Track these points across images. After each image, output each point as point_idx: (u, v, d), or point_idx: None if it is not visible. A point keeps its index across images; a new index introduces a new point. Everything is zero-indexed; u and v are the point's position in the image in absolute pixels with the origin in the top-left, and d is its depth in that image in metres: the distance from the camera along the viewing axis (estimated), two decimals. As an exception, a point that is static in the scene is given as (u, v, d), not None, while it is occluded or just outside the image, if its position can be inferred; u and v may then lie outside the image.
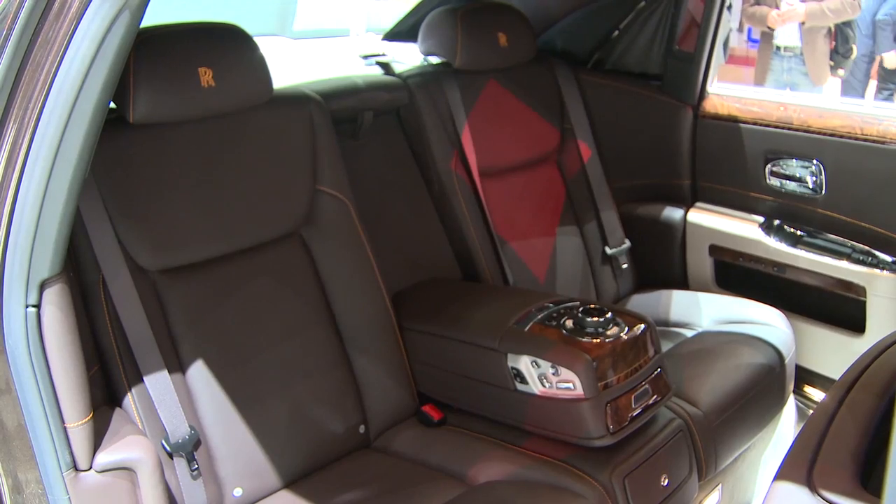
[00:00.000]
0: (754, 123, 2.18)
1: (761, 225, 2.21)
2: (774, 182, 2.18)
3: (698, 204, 2.35)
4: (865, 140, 1.99)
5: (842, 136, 2.02)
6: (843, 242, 2.08)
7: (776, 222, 2.20)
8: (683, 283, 2.39)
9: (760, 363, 1.92)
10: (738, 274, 2.29)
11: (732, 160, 2.25)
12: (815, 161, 2.09)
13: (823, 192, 2.09)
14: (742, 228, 2.24)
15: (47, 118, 1.02)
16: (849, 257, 2.06)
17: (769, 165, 2.18)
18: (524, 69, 2.25)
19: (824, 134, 2.05)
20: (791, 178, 2.15)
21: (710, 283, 2.34)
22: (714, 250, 2.30)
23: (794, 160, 2.13)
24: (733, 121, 2.22)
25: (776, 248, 2.17)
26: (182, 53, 1.47)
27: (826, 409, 0.70)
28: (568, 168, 2.34)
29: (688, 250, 2.36)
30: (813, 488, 0.60)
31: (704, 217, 2.32)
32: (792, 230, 2.18)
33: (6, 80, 1.04)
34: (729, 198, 2.29)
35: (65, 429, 1.18)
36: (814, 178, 2.11)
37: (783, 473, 0.63)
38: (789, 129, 2.11)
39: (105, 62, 0.99)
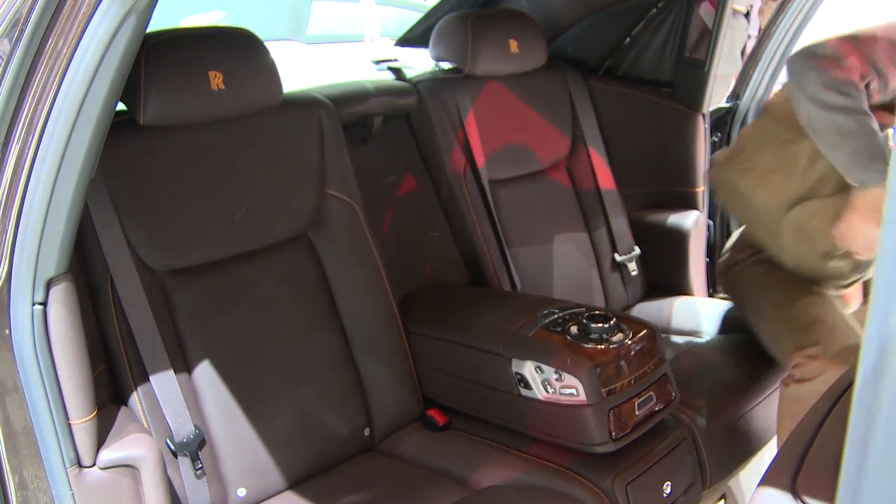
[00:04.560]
0: None
1: None
2: None
3: None
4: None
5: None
6: None
7: None
8: (692, 291, 2.39)
9: (767, 372, 1.91)
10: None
11: None
12: None
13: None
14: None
15: (55, 119, 1.03)
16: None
17: None
18: (535, 75, 2.25)
19: None
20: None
21: None
22: None
23: None
24: None
25: None
26: (192, 57, 1.49)
27: (815, 417, 0.70)
28: (578, 174, 2.34)
29: None
30: (796, 494, 0.60)
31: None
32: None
33: (17, 81, 1.06)
34: None
35: (69, 425, 1.19)
36: None
37: (768, 479, 0.63)
38: None
39: (111, 65, 1.01)
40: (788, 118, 1.75)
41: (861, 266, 1.77)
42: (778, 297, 1.85)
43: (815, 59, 1.60)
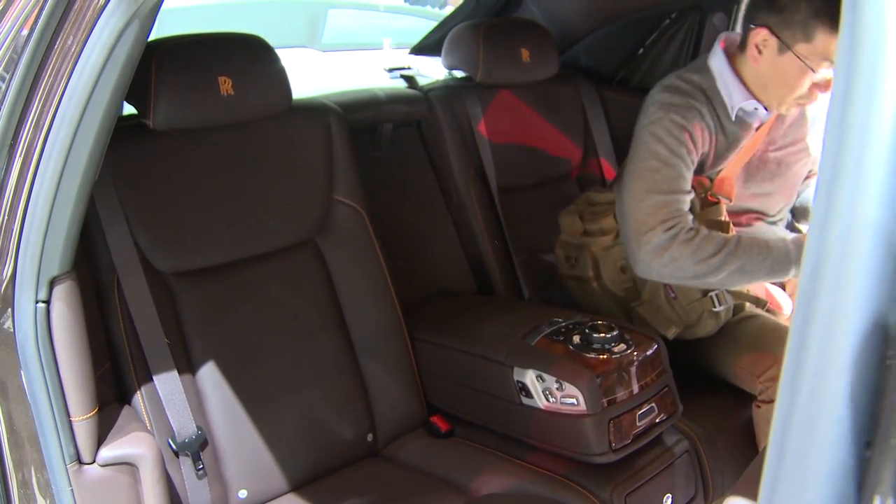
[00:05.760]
0: None
1: None
2: None
3: None
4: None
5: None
6: None
7: None
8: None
9: (774, 386, 1.89)
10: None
11: None
12: None
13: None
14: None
15: (59, 121, 1.06)
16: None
17: None
18: (547, 85, 2.25)
19: None
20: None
21: None
22: None
23: None
24: None
25: None
26: (202, 62, 1.51)
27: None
28: (589, 185, 2.33)
29: None
30: None
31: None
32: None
33: (24, 83, 1.08)
34: None
35: (70, 422, 1.21)
36: None
37: (738, 489, 0.63)
38: None
39: (115, 69, 1.03)
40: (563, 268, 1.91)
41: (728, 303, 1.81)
42: (720, 341, 1.86)
43: (670, 246, 1.60)
